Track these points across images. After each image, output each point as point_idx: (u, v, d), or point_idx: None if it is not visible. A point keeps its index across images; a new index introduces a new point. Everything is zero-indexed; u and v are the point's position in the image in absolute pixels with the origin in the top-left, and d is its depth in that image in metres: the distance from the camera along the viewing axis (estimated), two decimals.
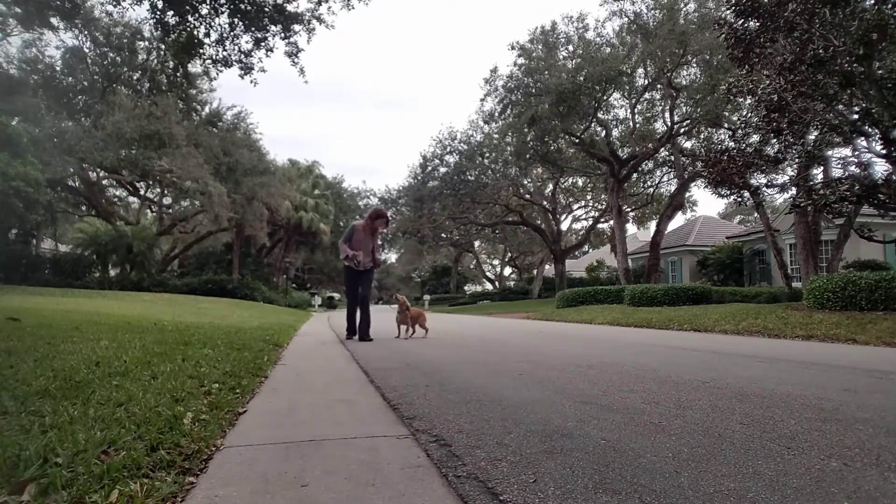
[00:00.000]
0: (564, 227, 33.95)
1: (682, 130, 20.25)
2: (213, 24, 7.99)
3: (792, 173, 11.36)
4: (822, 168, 11.14)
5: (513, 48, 20.25)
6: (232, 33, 8.10)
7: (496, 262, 53.40)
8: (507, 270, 52.21)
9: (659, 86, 19.47)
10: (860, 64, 7.84)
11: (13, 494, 1.24)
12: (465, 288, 53.80)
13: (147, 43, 19.99)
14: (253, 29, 8.06)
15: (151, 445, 1.64)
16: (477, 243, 43.73)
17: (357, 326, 6.57)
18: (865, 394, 2.82)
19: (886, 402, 2.58)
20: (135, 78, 22.22)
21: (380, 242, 6.98)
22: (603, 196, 29.01)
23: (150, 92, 19.74)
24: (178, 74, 12.39)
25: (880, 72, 8.05)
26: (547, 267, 38.37)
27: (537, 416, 2.26)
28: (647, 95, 20.61)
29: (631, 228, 33.91)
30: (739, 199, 12.45)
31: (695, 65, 18.40)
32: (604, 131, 21.29)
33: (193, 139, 22.58)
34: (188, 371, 3.05)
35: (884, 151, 8.76)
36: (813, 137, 9.94)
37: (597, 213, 32.50)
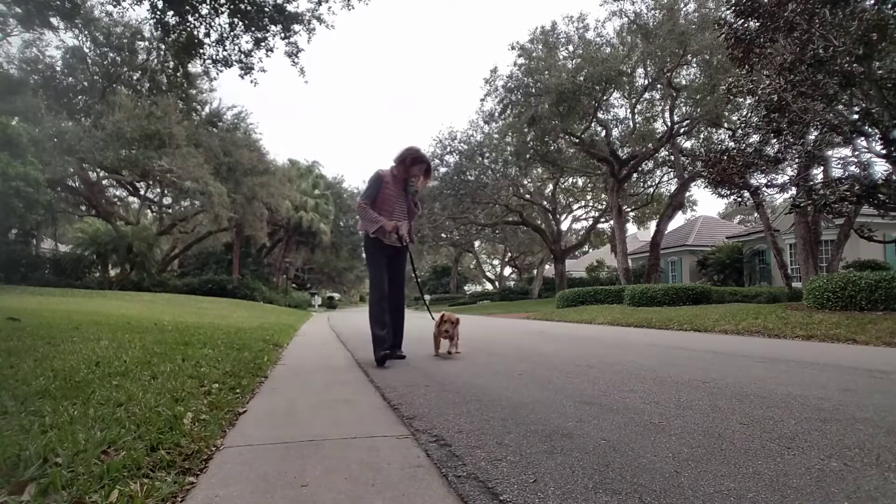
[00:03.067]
0: (564, 227, 33.96)
1: (682, 130, 20.25)
2: (213, 24, 7.99)
3: (792, 173, 11.37)
4: (822, 168, 11.14)
5: (513, 48, 20.27)
6: (232, 33, 8.10)
7: (496, 262, 53.40)
8: (507, 270, 52.23)
9: (659, 86, 19.47)
10: (860, 64, 7.84)
11: (13, 494, 1.24)
12: (465, 288, 53.80)
13: (147, 43, 19.96)
14: (253, 29, 8.06)
15: (151, 445, 1.64)
16: (477, 243, 43.71)
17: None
18: (865, 394, 2.82)
19: (886, 402, 2.58)
20: (135, 78, 22.19)
21: (418, 205, 4.47)
22: (603, 196, 29.02)
23: (150, 92, 19.70)
24: (178, 74, 12.37)
25: (880, 72, 8.05)
26: (547, 267, 38.37)
27: (537, 416, 2.26)
28: (647, 95, 20.62)
29: (631, 228, 33.92)
30: (739, 199, 12.45)
31: (695, 65, 18.41)
32: (604, 131, 21.29)
33: (193, 139, 22.60)
34: (188, 371, 3.05)
35: (884, 151, 8.76)
36: (813, 137, 9.94)
37: (597, 213, 32.51)
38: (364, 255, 4.46)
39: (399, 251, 4.31)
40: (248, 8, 7.82)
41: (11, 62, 20.31)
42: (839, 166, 10.08)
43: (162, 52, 14.89)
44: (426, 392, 2.84)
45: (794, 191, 10.96)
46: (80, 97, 22.93)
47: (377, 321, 4.09)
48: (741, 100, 12.96)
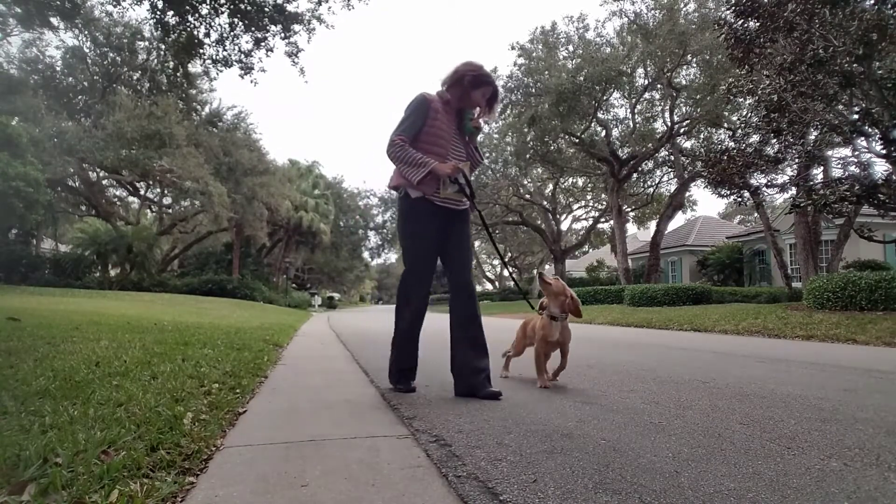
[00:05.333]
0: (564, 227, 33.96)
1: (682, 130, 20.26)
2: (213, 24, 7.99)
3: (792, 173, 11.38)
4: (822, 168, 11.15)
5: (513, 48, 20.29)
6: (232, 33, 8.10)
7: (496, 262, 53.41)
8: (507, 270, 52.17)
9: (659, 86, 19.48)
10: (860, 64, 7.85)
11: (13, 494, 1.24)
12: None
13: (147, 43, 19.99)
14: (253, 29, 8.06)
15: (151, 445, 1.64)
16: (477, 243, 43.73)
17: (455, 366, 2.76)
18: (865, 394, 2.82)
19: (886, 402, 2.58)
20: (135, 78, 22.21)
21: (479, 151, 3.03)
22: (603, 196, 29.02)
23: (150, 92, 19.73)
24: (178, 74, 12.39)
25: (880, 72, 8.06)
26: (547, 267, 38.38)
27: (537, 416, 2.26)
28: (647, 95, 20.64)
29: (631, 228, 33.91)
30: (739, 199, 12.47)
31: (695, 65, 18.42)
32: (604, 131, 21.30)
33: (193, 139, 22.60)
34: (188, 371, 3.05)
35: (884, 151, 8.76)
36: (813, 137, 9.95)
37: (597, 213, 32.51)
38: (399, 228, 2.83)
39: (459, 217, 2.83)
40: (248, 8, 7.82)
41: (11, 62, 20.33)
42: (839, 166, 10.10)
43: (162, 52, 14.91)
44: (426, 392, 2.84)
45: (794, 191, 10.97)
46: (80, 97, 22.94)
47: (412, 326, 2.79)
48: (741, 100, 12.96)
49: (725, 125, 17.68)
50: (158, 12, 7.67)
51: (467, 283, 2.81)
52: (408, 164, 2.65)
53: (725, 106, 16.12)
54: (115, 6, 8.57)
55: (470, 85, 2.75)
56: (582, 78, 18.06)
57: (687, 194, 23.35)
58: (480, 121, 2.87)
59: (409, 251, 2.78)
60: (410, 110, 2.74)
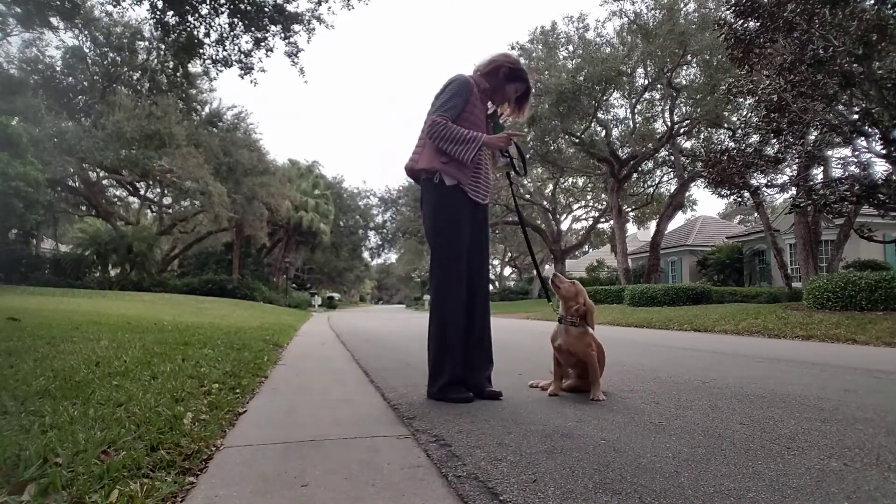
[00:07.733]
0: (564, 227, 33.98)
1: (682, 130, 20.27)
2: (213, 24, 8.00)
3: (792, 173, 11.38)
4: (822, 168, 11.16)
5: (513, 48, 20.30)
6: (232, 33, 8.11)
7: (496, 262, 53.42)
8: (507, 270, 52.23)
9: (659, 86, 19.48)
10: (860, 64, 7.85)
11: (13, 494, 1.24)
12: None
13: (147, 43, 20.03)
14: (253, 29, 8.07)
15: (151, 445, 1.64)
16: None
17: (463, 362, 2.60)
18: (865, 394, 2.82)
19: (886, 402, 2.58)
20: (135, 78, 22.24)
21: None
22: (603, 196, 29.03)
23: (150, 92, 19.75)
24: (178, 74, 12.41)
25: (880, 72, 8.06)
26: (547, 267, 38.39)
27: (537, 416, 2.26)
28: (647, 95, 20.64)
29: (631, 228, 33.92)
30: (739, 199, 12.48)
31: (695, 65, 18.43)
32: (604, 131, 21.30)
33: (193, 139, 22.61)
34: (188, 371, 3.05)
35: (884, 151, 8.76)
36: (813, 137, 9.96)
37: (597, 213, 32.53)
38: (431, 219, 2.56)
39: (483, 212, 2.68)
40: (248, 8, 7.83)
41: (11, 62, 20.35)
42: (839, 166, 10.11)
43: (162, 52, 14.93)
44: (426, 391, 2.83)
45: (794, 191, 10.98)
46: (80, 97, 22.96)
47: (451, 329, 2.53)
48: (741, 100, 12.97)
49: (725, 125, 17.69)
50: (158, 12, 7.67)
51: (484, 283, 2.69)
52: (456, 142, 2.48)
53: (725, 106, 16.14)
54: (115, 6, 8.59)
55: (505, 77, 2.66)
56: (582, 78, 18.07)
57: (687, 194, 23.37)
58: (512, 112, 2.84)
59: (443, 246, 2.54)
60: (453, 91, 2.57)
